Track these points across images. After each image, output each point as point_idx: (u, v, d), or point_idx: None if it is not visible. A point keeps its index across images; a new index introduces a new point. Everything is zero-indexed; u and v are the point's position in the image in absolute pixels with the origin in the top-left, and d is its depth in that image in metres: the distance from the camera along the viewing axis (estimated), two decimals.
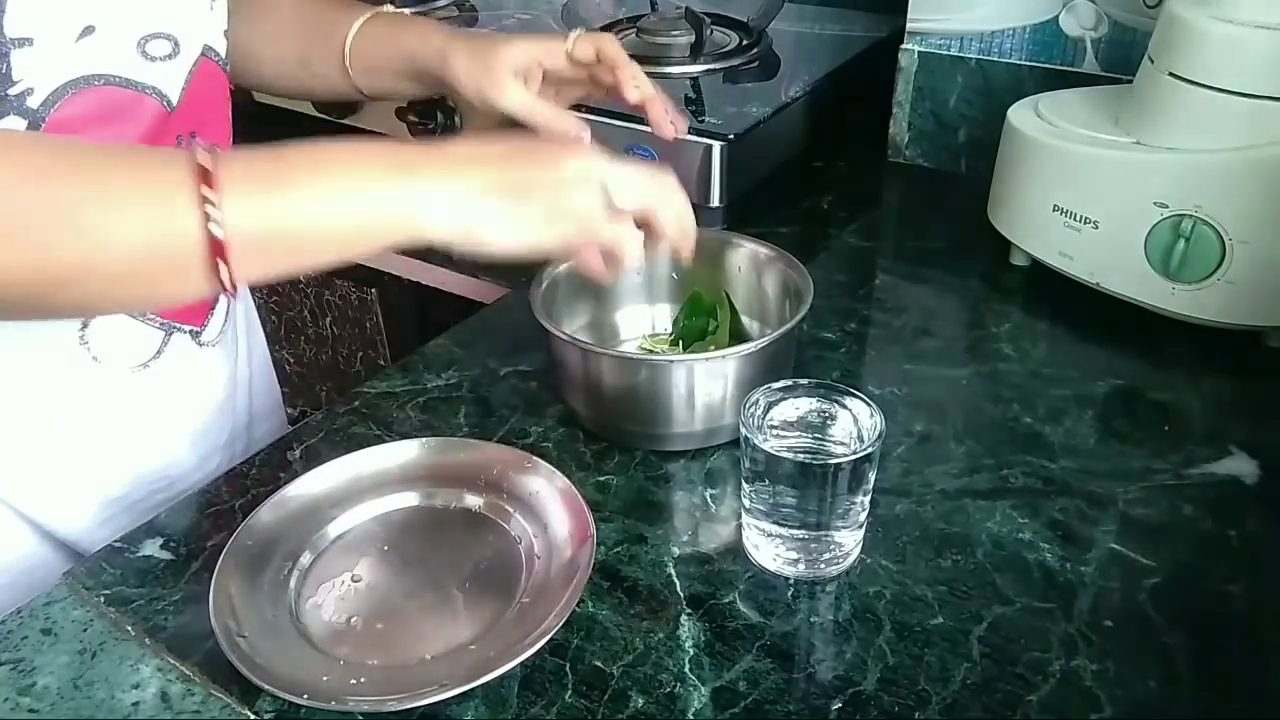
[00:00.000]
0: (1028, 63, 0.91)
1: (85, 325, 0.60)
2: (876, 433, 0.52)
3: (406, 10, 0.83)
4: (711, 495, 0.61)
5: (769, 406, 0.55)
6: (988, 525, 0.58)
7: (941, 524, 0.58)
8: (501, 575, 0.55)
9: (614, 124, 0.82)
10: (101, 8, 0.54)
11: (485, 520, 0.59)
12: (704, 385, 0.61)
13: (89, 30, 0.53)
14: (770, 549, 0.55)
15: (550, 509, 0.57)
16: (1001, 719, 0.47)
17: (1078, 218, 0.75)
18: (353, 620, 0.52)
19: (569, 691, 0.49)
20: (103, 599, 0.54)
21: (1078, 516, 0.58)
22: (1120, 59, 0.87)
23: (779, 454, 0.52)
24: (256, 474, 0.63)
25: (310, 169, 0.47)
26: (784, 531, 0.54)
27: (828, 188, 0.97)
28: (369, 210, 0.48)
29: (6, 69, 0.50)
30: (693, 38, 0.99)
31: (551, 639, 0.49)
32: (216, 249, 0.44)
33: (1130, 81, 0.76)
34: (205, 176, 0.44)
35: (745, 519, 0.56)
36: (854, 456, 0.52)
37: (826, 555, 0.54)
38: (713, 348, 0.69)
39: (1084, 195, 0.75)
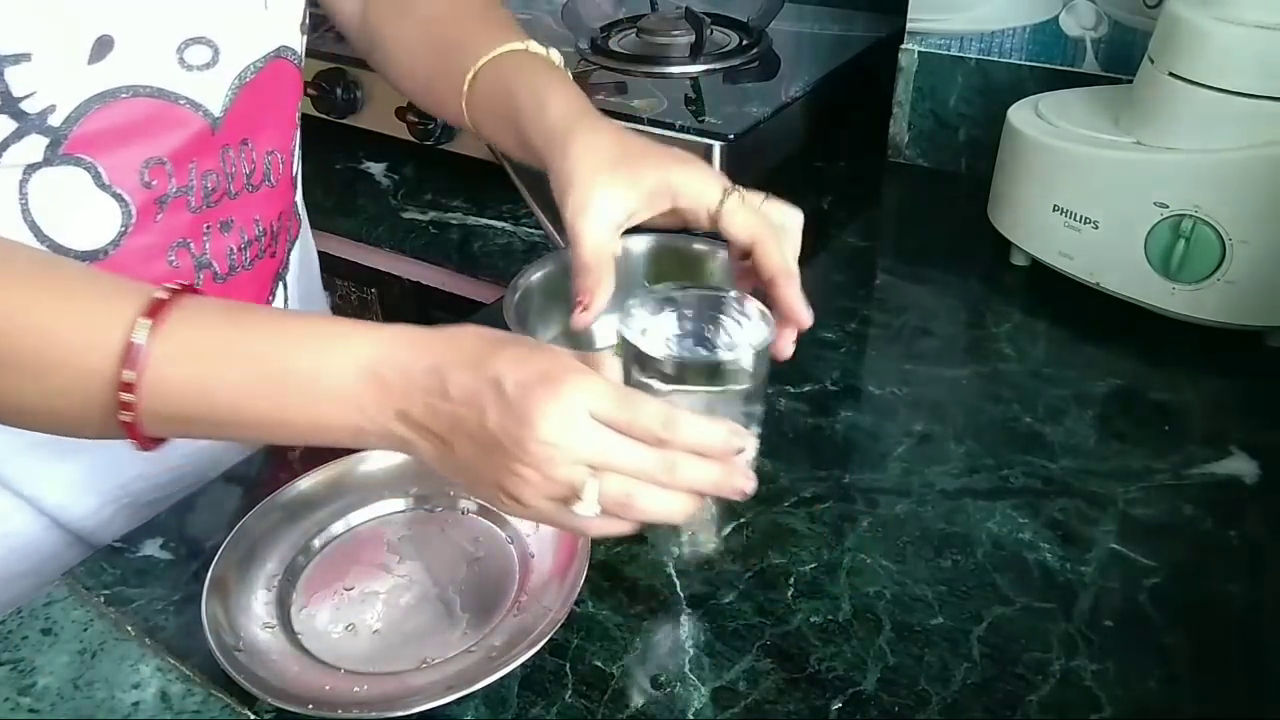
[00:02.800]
0: (1028, 63, 0.91)
1: None
2: (767, 333, 0.50)
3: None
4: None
5: (651, 315, 0.52)
6: (988, 525, 0.58)
7: (941, 524, 0.58)
8: (498, 576, 0.55)
9: None
10: (121, 17, 0.52)
11: (477, 523, 0.58)
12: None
13: (106, 41, 0.52)
14: None
15: None
16: (1001, 719, 0.47)
17: (1078, 218, 0.75)
18: (350, 627, 0.52)
19: (569, 691, 0.49)
20: (103, 599, 0.54)
21: (1078, 516, 0.58)
22: (1120, 59, 0.87)
23: (663, 356, 0.49)
24: (256, 474, 0.63)
25: (262, 383, 0.44)
26: None
27: (828, 188, 0.97)
28: (302, 426, 0.45)
29: (4, 87, 0.49)
30: (693, 38, 0.99)
31: (551, 639, 0.49)
32: (130, 429, 0.44)
33: (1130, 81, 0.76)
34: (131, 361, 0.42)
35: None
36: (739, 355, 0.49)
37: None
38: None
39: (1084, 195, 0.75)
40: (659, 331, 0.51)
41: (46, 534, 0.64)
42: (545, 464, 0.42)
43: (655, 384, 0.49)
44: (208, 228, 0.61)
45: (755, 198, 0.56)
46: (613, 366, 0.46)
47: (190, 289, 0.45)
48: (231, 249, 0.63)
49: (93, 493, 0.64)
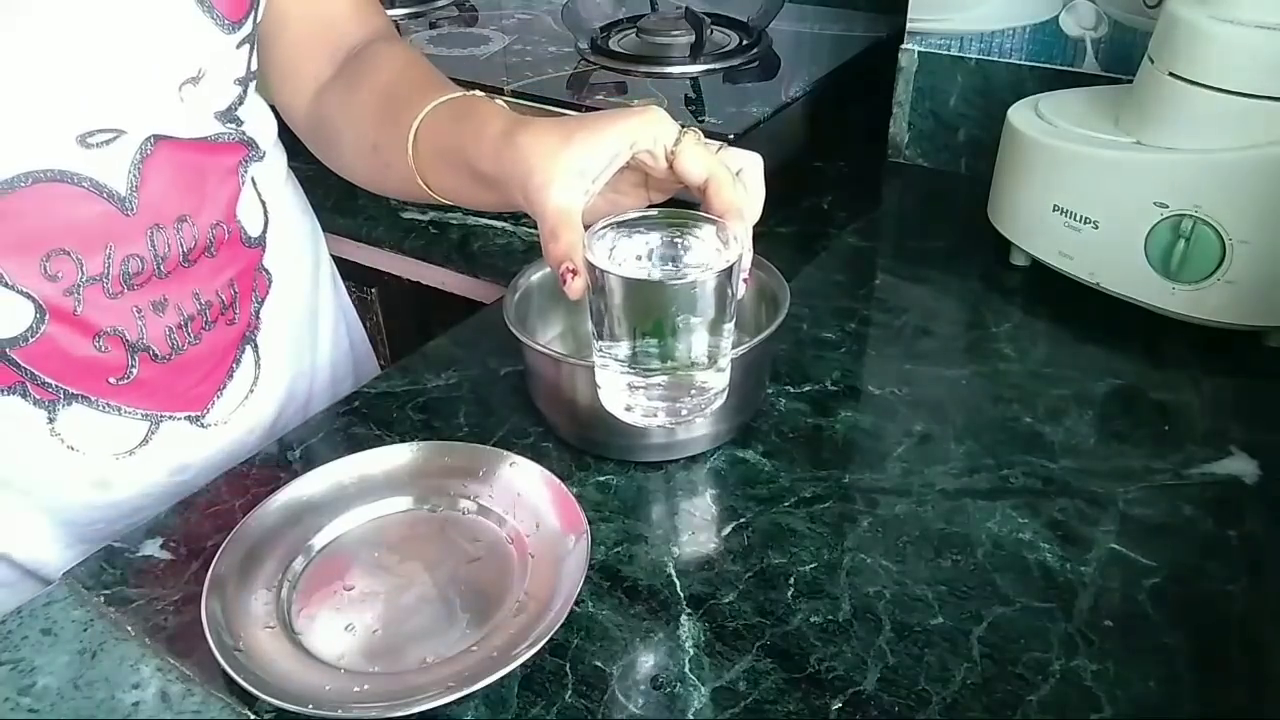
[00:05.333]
0: (1028, 63, 0.91)
1: (52, 420, 0.59)
2: (730, 255, 0.50)
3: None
4: (713, 495, 0.61)
5: (616, 240, 0.52)
6: (988, 525, 0.58)
7: (941, 524, 0.58)
8: (497, 576, 0.55)
9: None
10: (17, 108, 0.50)
11: (476, 523, 0.58)
12: None
13: None
14: (624, 398, 0.53)
15: (540, 508, 0.57)
16: (1001, 719, 0.47)
17: (1078, 218, 0.75)
18: (350, 627, 0.52)
19: (569, 691, 0.49)
20: (103, 599, 0.54)
21: (1078, 516, 0.58)
22: (1120, 59, 0.87)
23: (628, 275, 0.49)
24: (256, 474, 0.63)
25: None
26: (640, 379, 0.52)
27: (828, 188, 0.97)
28: None
29: None
30: (693, 38, 0.99)
31: (551, 639, 0.49)
32: None
33: (1130, 81, 0.76)
34: None
35: (603, 375, 0.54)
36: (703, 274, 0.49)
37: (691, 399, 0.53)
38: None
39: (1084, 195, 0.75)
40: (626, 253, 0.51)
41: (23, 582, 0.64)
42: None
43: (618, 302, 0.50)
44: (138, 310, 0.59)
45: (712, 144, 0.55)
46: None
47: None
48: (169, 329, 0.61)
49: (59, 542, 0.64)
